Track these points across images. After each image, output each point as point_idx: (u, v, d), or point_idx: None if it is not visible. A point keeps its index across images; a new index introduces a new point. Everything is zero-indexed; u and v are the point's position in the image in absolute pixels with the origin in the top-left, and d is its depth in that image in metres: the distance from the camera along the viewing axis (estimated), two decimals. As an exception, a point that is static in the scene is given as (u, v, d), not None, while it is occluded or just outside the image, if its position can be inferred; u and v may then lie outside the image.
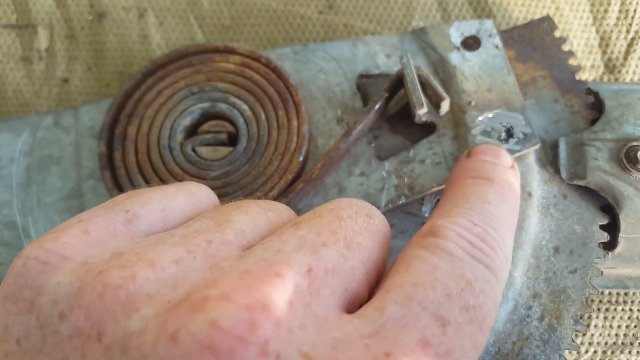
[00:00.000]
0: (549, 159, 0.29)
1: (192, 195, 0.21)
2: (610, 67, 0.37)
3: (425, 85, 0.28)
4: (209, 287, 0.15)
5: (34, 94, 0.36)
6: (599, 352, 0.31)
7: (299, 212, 0.29)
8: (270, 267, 0.16)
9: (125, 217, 0.19)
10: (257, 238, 0.19)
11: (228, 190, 0.28)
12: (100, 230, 0.18)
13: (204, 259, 0.17)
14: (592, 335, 0.32)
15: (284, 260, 0.17)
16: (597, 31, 0.37)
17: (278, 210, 0.21)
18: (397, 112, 0.31)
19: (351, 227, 0.19)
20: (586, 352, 0.31)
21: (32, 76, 0.36)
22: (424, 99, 0.27)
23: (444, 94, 0.28)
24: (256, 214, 0.20)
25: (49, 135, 0.31)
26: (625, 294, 0.32)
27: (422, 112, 0.27)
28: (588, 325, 0.31)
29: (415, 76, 0.27)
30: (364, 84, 0.31)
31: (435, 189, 0.28)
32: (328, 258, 0.17)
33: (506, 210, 0.23)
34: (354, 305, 0.18)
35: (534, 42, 0.32)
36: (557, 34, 0.32)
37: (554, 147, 0.30)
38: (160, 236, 0.18)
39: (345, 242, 0.18)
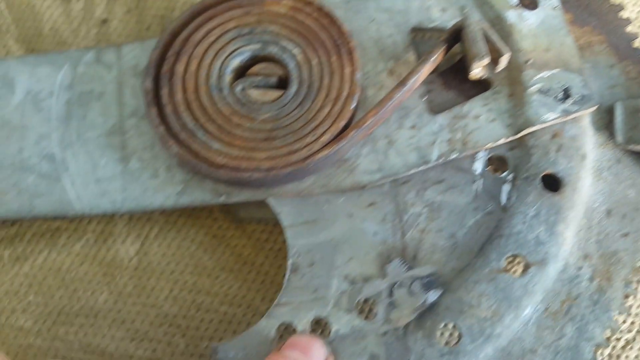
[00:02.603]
0: (604, 123, 0.29)
1: None
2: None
3: (485, 39, 0.27)
4: None
5: (71, 33, 0.35)
6: (637, 324, 0.31)
7: (346, 162, 0.28)
8: None
9: None
10: None
11: (278, 133, 0.27)
12: None
13: None
14: (631, 306, 0.31)
15: None
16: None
17: None
18: (450, 68, 0.30)
19: None
20: (624, 322, 0.31)
21: (70, 14, 0.35)
22: (485, 51, 0.26)
23: (505, 48, 0.27)
24: None
25: (90, 71, 0.30)
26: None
27: (483, 63, 0.26)
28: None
29: (478, 27, 0.27)
30: (417, 37, 0.31)
31: (490, 145, 0.28)
32: None
33: None
34: None
35: (590, 7, 0.32)
36: (614, 1, 0.32)
37: (610, 111, 0.29)
38: None
39: None
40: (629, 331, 0.31)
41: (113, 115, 0.30)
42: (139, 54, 0.31)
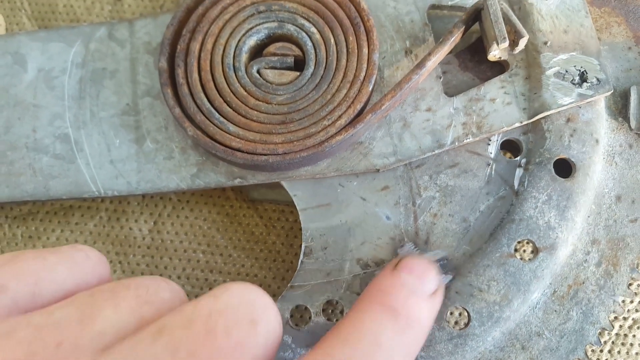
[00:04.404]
0: (618, 107, 0.29)
1: (76, 265, 0.20)
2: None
3: (504, 20, 0.27)
4: None
5: (85, 10, 0.34)
6: (641, 304, 0.32)
7: (360, 145, 0.28)
8: None
9: None
10: (118, 337, 0.18)
11: (294, 116, 0.27)
12: None
13: None
14: (638, 286, 0.32)
15: None
16: (667, -16, 0.36)
17: (159, 301, 0.19)
18: (467, 48, 0.30)
19: (218, 346, 0.17)
20: (631, 302, 0.32)
21: (79, -12, 0.34)
22: (506, 33, 0.26)
23: (524, 31, 0.27)
24: (128, 310, 0.18)
25: (103, 47, 0.30)
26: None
27: (503, 45, 0.26)
28: None
29: (499, 8, 0.26)
30: (436, 16, 0.30)
31: (505, 129, 0.28)
32: None
33: (398, 356, 0.21)
34: None
35: (610, -13, 0.31)
36: (633, -20, 0.31)
37: (624, 95, 0.29)
38: (13, 324, 0.17)
39: None
40: (636, 311, 0.32)
41: (126, 94, 0.29)
42: (151, 30, 0.30)
